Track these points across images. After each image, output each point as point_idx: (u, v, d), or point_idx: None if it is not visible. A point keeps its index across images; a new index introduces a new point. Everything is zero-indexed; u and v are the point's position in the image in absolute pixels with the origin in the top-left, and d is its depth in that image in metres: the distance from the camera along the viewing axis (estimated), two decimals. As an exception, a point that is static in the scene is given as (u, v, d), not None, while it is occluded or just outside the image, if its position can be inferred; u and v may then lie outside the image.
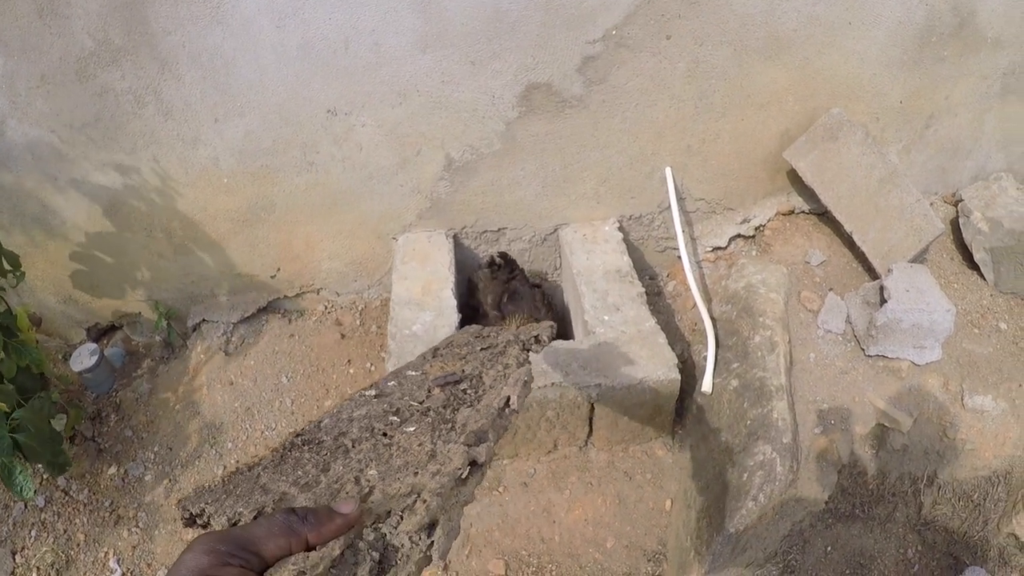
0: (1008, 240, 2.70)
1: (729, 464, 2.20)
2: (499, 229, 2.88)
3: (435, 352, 1.49)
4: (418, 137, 2.57)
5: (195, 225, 2.69)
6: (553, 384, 2.25)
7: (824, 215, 2.92)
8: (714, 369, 2.41)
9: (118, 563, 2.42)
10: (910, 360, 2.42)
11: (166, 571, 2.39)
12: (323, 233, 2.79)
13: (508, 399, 1.05)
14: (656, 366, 2.31)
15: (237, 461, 2.56)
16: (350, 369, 2.77)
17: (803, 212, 2.98)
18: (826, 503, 2.31)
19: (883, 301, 2.42)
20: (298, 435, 1.05)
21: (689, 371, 2.57)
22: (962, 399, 2.39)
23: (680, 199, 2.84)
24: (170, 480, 2.58)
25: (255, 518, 0.75)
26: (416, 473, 0.82)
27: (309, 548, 0.63)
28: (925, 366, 2.43)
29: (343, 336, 2.88)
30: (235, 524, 0.75)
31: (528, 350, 1.40)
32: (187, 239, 2.73)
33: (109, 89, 2.32)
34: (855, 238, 2.68)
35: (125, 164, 2.50)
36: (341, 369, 2.77)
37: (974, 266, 2.83)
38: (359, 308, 3.00)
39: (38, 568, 2.40)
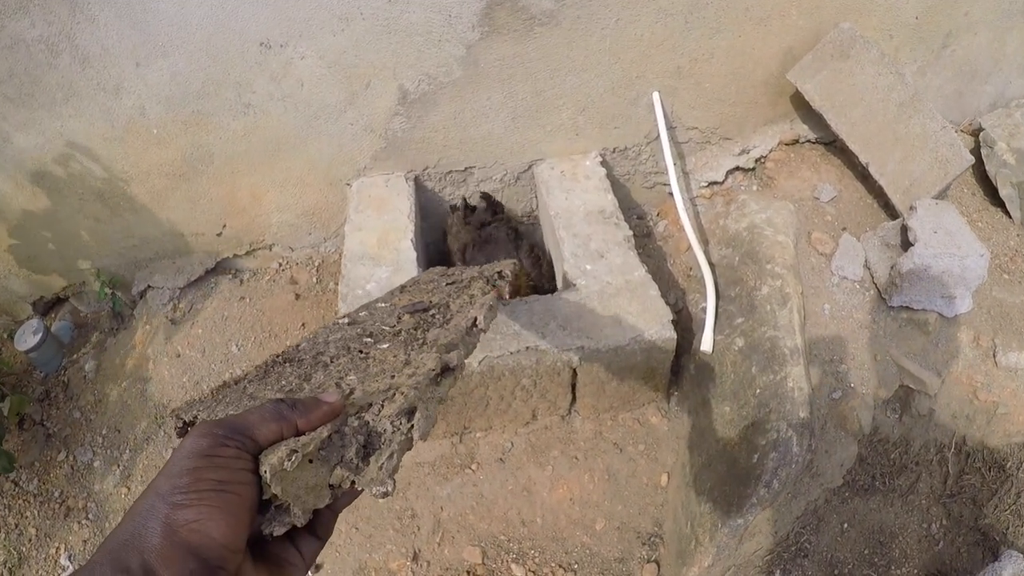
0: (1038, 175, 2.26)
1: (736, 439, 1.81)
2: (465, 168, 2.45)
3: (402, 288, 1.50)
4: (366, 68, 2.15)
5: (128, 183, 2.31)
6: (528, 348, 1.86)
7: (833, 144, 2.47)
8: (715, 324, 2.01)
9: (70, 559, 2.14)
10: (938, 312, 2.00)
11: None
12: (269, 183, 2.39)
13: (475, 319, 1.05)
14: (648, 323, 1.89)
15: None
16: (305, 333, 2.38)
17: (809, 141, 2.53)
18: (843, 477, 1.94)
19: (906, 244, 2.00)
20: (278, 356, 1.08)
21: (685, 324, 2.15)
22: (995, 356, 2.01)
23: (670, 128, 2.40)
24: (119, 467, 2.24)
25: None
26: (392, 376, 0.84)
27: (299, 434, 0.65)
28: (954, 318, 2.03)
29: (298, 296, 2.49)
30: None
31: (493, 285, 1.38)
32: (121, 199, 2.35)
33: (19, 40, 1.97)
34: (871, 170, 2.23)
35: (46, 122, 2.14)
36: (295, 334, 2.36)
37: (999, 202, 2.42)
38: (315, 263, 2.59)
39: (-8, 567, 2.16)
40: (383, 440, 0.71)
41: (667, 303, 1.98)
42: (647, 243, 2.49)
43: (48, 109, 2.12)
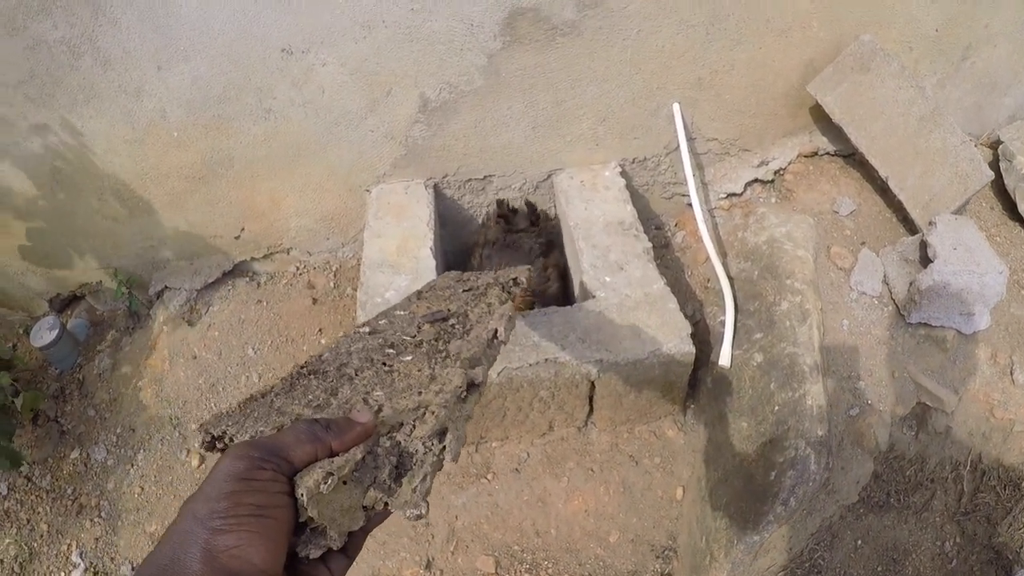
0: (1057, 188, 2.24)
1: (753, 456, 1.80)
2: (485, 177, 2.43)
3: (419, 295, 1.49)
4: (388, 75, 2.13)
5: (147, 185, 2.29)
6: (547, 360, 1.85)
7: (852, 156, 2.45)
8: (733, 339, 2.00)
9: (81, 557, 2.13)
10: (956, 329, 1.98)
11: (131, 566, 2.11)
12: (288, 187, 2.37)
13: (496, 331, 1.05)
14: (667, 336, 1.88)
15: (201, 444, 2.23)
16: (322, 339, 2.35)
17: (828, 153, 2.50)
18: (859, 494, 1.93)
19: (925, 259, 1.99)
20: (302, 367, 1.07)
21: (702, 336, 2.14)
22: (1012, 373, 1.99)
23: (690, 139, 2.38)
24: (132, 466, 2.23)
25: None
26: (420, 393, 0.83)
27: (332, 455, 0.65)
28: (972, 335, 2.00)
29: (315, 301, 2.47)
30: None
31: (508, 292, 1.38)
32: (140, 201, 2.33)
33: (41, 41, 1.95)
34: (891, 184, 2.21)
35: (67, 122, 2.12)
36: (312, 339, 2.36)
37: (1017, 217, 2.39)
38: (333, 268, 2.58)
39: (2, 561, 2.15)
40: (415, 461, 0.71)
41: (685, 315, 1.98)
42: (665, 254, 2.47)
43: (69, 110, 2.10)
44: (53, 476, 2.28)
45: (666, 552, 1.96)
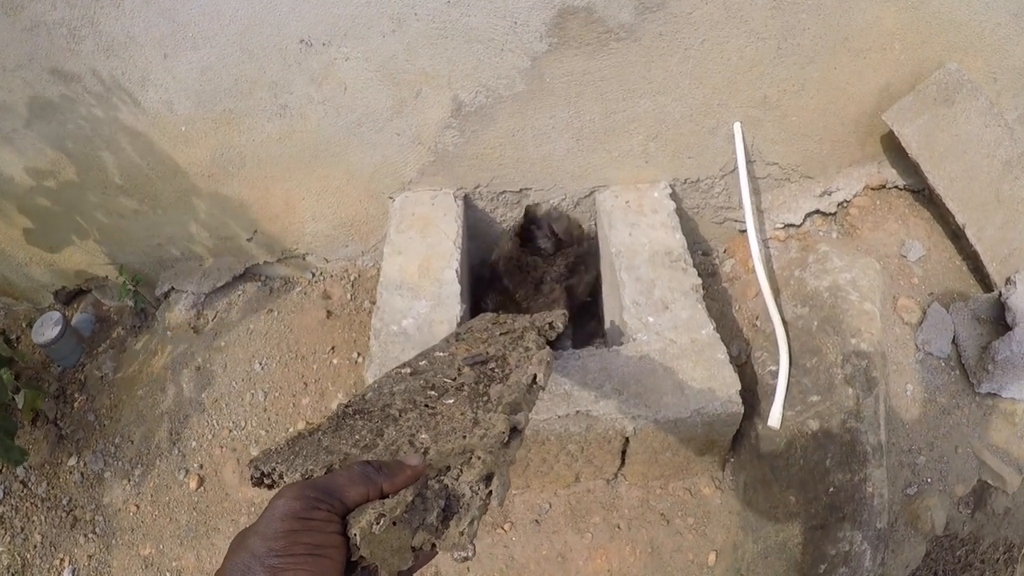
0: None
1: (801, 539, 1.61)
2: (520, 190, 2.21)
3: (457, 336, 1.49)
4: (417, 74, 1.91)
5: (152, 181, 2.13)
6: (578, 413, 1.65)
7: (921, 192, 2.20)
8: (785, 397, 1.79)
9: (73, 574, 2.01)
10: (1026, 402, 1.77)
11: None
12: (305, 190, 2.18)
13: (535, 376, 1.05)
14: (713, 393, 1.67)
15: (201, 466, 2.07)
16: (333, 359, 2.17)
17: (896, 187, 2.24)
18: (907, 576, 1.74)
19: (1001, 321, 1.76)
20: (347, 406, 1.09)
21: (748, 383, 1.91)
22: (1079, 454, 1.77)
23: (749, 162, 2.14)
24: (129, 482, 2.09)
25: (325, 474, 0.78)
26: (464, 436, 0.85)
27: (383, 496, 0.65)
28: (1042, 411, 1.78)
29: (329, 314, 2.28)
30: (308, 479, 0.76)
31: (544, 336, 1.38)
32: (145, 196, 2.17)
33: (40, 22, 1.79)
34: (968, 232, 1.95)
35: (67, 111, 1.96)
36: (323, 359, 2.17)
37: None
38: (351, 278, 2.39)
39: (-5, 570, 2.04)
40: (462, 504, 0.72)
41: (731, 355, 1.76)
42: (711, 283, 2.25)
43: (67, 98, 1.94)
44: (49, 483, 2.16)
45: (694, 624, 1.79)
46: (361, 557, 0.59)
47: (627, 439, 1.73)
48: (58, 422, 2.26)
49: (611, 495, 1.90)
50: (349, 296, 2.34)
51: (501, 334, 1.41)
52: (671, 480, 1.90)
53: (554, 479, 1.87)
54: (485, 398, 1.01)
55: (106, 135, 2.02)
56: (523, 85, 1.94)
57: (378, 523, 0.60)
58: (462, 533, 0.68)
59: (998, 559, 1.81)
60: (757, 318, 2.07)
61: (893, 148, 2.14)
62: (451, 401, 1.02)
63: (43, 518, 2.10)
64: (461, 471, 0.75)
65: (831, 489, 1.58)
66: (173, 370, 2.24)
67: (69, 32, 1.79)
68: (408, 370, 1.25)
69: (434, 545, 0.67)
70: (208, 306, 2.36)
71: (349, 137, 2.05)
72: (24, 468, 2.18)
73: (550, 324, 1.44)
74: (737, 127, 2.05)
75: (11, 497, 2.14)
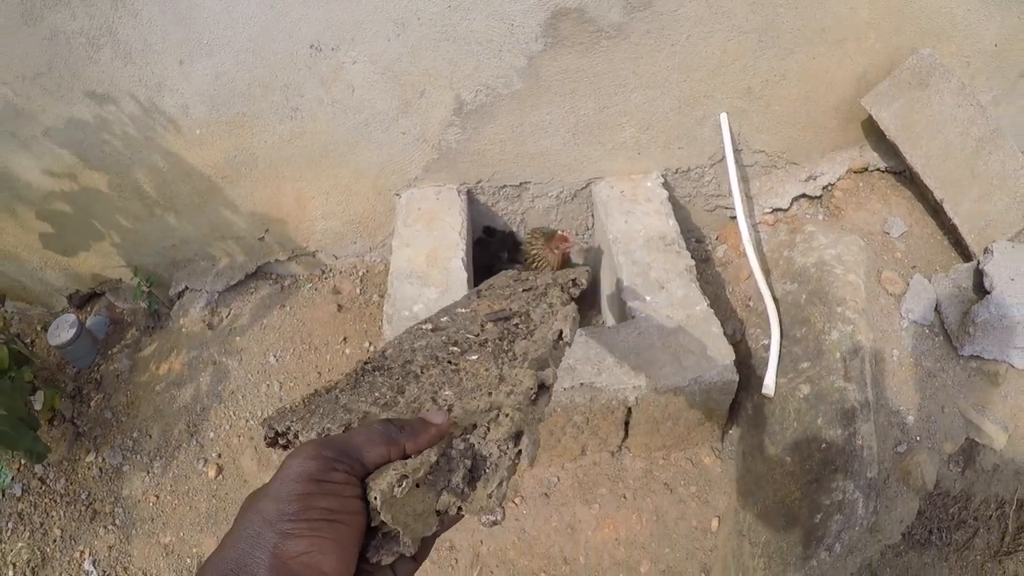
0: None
1: (798, 495, 1.72)
2: (520, 184, 2.34)
3: (479, 293, 1.45)
4: (421, 75, 2.04)
5: (168, 183, 2.23)
6: (583, 385, 1.77)
7: (903, 174, 2.34)
8: (778, 366, 1.91)
9: (94, 564, 2.08)
10: (1009, 363, 1.89)
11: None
12: (315, 189, 2.29)
13: (560, 332, 1.00)
14: (709, 364, 1.79)
15: (219, 455, 2.17)
16: (346, 349, 2.28)
17: (878, 170, 2.39)
18: (902, 533, 1.85)
19: (980, 288, 1.89)
20: (366, 363, 1.05)
21: (743, 358, 2.04)
22: (1065, 411, 1.89)
23: (736, 150, 2.27)
24: (148, 474, 2.18)
25: (344, 432, 0.73)
26: (490, 394, 0.80)
27: (404, 456, 0.62)
28: (1024, 370, 1.91)
29: (340, 308, 2.40)
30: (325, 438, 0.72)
31: (568, 293, 1.32)
32: (160, 198, 2.27)
33: (59, 32, 1.89)
34: (946, 208, 2.10)
35: (85, 116, 2.05)
36: (336, 348, 2.29)
37: (1072, 244, 2.26)
38: (360, 273, 2.50)
39: (14, 564, 2.10)
40: (489, 464, 0.68)
41: (725, 333, 1.88)
42: (705, 268, 2.38)
43: (87, 104, 2.03)
44: (68, 479, 2.24)
45: (700, 586, 1.89)
46: (382, 522, 0.57)
47: (629, 409, 1.85)
48: (75, 420, 2.33)
49: (616, 467, 2.00)
50: (359, 291, 2.45)
51: (523, 291, 1.37)
52: (673, 451, 2.01)
53: (561, 452, 1.98)
54: (510, 354, 0.96)
55: (122, 141, 2.11)
56: (521, 83, 2.07)
57: (400, 485, 0.57)
58: (490, 495, 0.64)
59: (991, 515, 1.92)
60: (750, 299, 2.20)
61: (873, 132, 2.29)
62: (475, 357, 0.98)
63: (62, 513, 2.17)
64: (488, 429, 0.71)
65: (823, 445, 1.70)
66: (189, 366, 2.33)
67: (88, 41, 1.90)
68: (429, 326, 1.21)
69: (460, 508, 0.63)
70: (222, 304, 2.47)
71: (357, 137, 2.17)
72: (43, 466, 2.25)
73: (573, 281, 1.41)
74: (724, 117, 2.19)
75: (30, 494, 2.21)
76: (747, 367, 2.01)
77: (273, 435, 0.82)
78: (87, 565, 2.09)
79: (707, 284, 2.28)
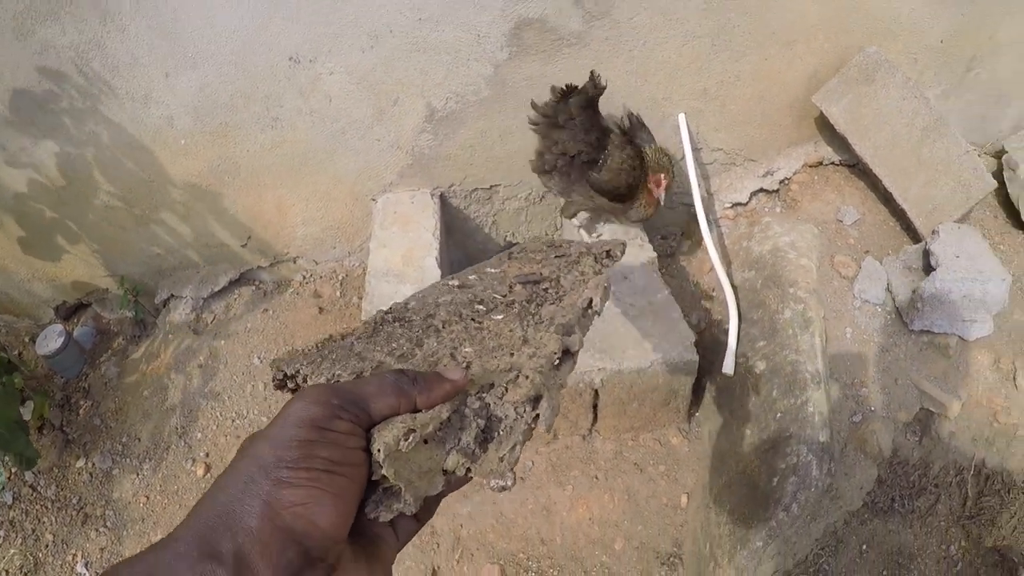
0: (1059, 197, 2.28)
1: (756, 462, 1.83)
2: (491, 187, 2.47)
3: (510, 255, 1.41)
4: (394, 84, 2.17)
5: (153, 193, 2.33)
6: (551, 369, 1.88)
7: (856, 166, 2.48)
8: (737, 347, 2.03)
9: (86, 567, 2.14)
10: (958, 335, 2.02)
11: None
12: (295, 196, 2.41)
13: (590, 300, 0.97)
14: (671, 345, 1.92)
15: (207, 454, 2.25)
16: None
17: (833, 163, 2.54)
18: (863, 499, 1.95)
19: (928, 268, 2.02)
20: (387, 313, 1.03)
21: (708, 345, 2.16)
22: (1015, 379, 2.01)
23: (695, 149, 2.41)
24: (138, 476, 2.25)
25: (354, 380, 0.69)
26: (512, 354, 0.77)
27: (415, 411, 0.60)
28: (975, 342, 2.03)
29: (321, 310, 2.50)
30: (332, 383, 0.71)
31: (601, 263, 1.27)
32: (147, 208, 2.37)
33: (49, 46, 1.98)
34: (895, 194, 2.25)
35: (73, 128, 2.15)
36: (318, 349, 2.39)
37: (1020, 225, 2.41)
38: (339, 277, 2.61)
39: (7, 571, 2.15)
40: (504, 427, 0.66)
41: (690, 324, 2.00)
42: (671, 263, 2.50)
43: (75, 116, 2.13)
44: (58, 485, 2.30)
45: (671, 559, 1.98)
46: (384, 477, 0.55)
47: (596, 391, 1.96)
48: (64, 428, 2.40)
49: (588, 450, 2.10)
50: (339, 294, 2.56)
51: (556, 256, 1.33)
52: (641, 432, 2.12)
53: (534, 437, 2.07)
54: (536, 317, 0.93)
55: (110, 152, 2.21)
56: (488, 90, 2.21)
57: (407, 439, 0.55)
58: (502, 459, 0.61)
59: (951, 482, 2.03)
60: (713, 290, 2.32)
61: (826, 128, 2.43)
62: (500, 317, 0.95)
63: (54, 518, 2.23)
64: (506, 390, 0.68)
65: (779, 415, 1.81)
66: (176, 369, 2.42)
67: (77, 55, 2.00)
68: (456, 282, 1.18)
69: (469, 470, 0.61)
70: (206, 309, 2.56)
71: (335, 144, 2.29)
72: (33, 473, 2.31)
73: (607, 252, 1.38)
74: (682, 118, 2.33)
75: (21, 501, 2.27)
76: (712, 353, 2.13)
77: (282, 376, 0.79)
78: (80, 568, 2.14)
79: (672, 278, 2.40)
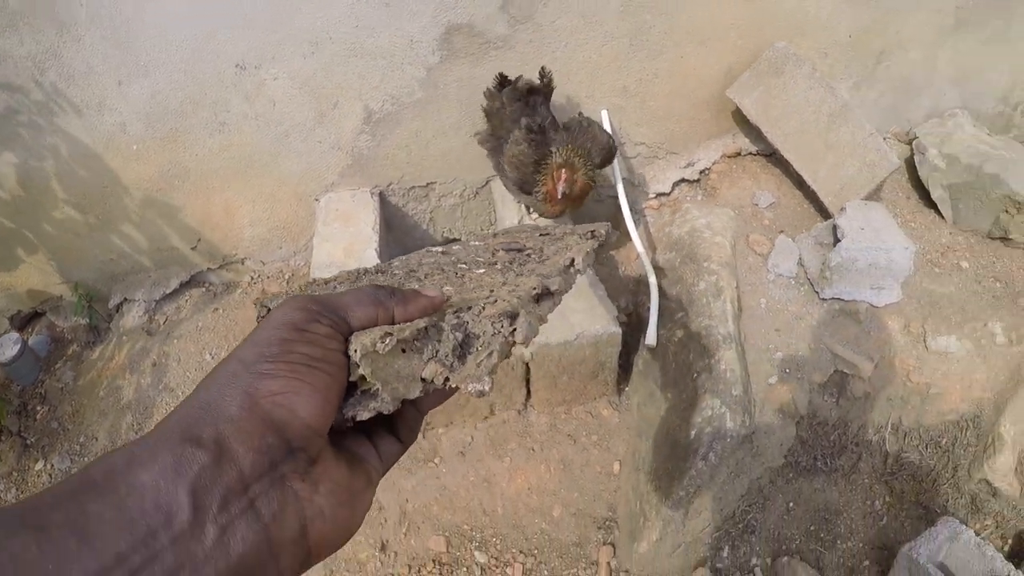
0: (966, 176, 2.46)
1: (678, 421, 1.96)
2: (427, 184, 2.61)
3: (494, 235, 1.38)
4: (334, 89, 2.31)
5: (106, 198, 2.42)
6: (484, 344, 2.01)
7: (772, 155, 2.66)
8: (658, 321, 2.17)
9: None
10: (868, 302, 2.18)
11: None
12: (242, 198, 2.52)
13: (572, 259, 0.92)
14: (595, 319, 2.06)
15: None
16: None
17: (750, 153, 2.72)
18: (785, 457, 2.08)
19: (837, 241, 2.18)
20: (368, 268, 1.00)
21: (636, 325, 2.31)
22: (925, 341, 2.16)
23: (619, 144, 2.57)
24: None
25: None
26: (492, 291, 0.75)
27: (393, 323, 0.60)
28: (884, 308, 2.19)
29: (268, 308, 2.59)
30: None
31: (584, 240, 1.32)
32: (100, 214, 2.46)
33: (7, 55, 2.07)
34: (805, 177, 2.42)
35: (29, 137, 2.25)
36: (267, 343, 2.49)
37: (932, 204, 2.59)
38: (286, 276, 2.72)
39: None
40: (481, 343, 0.65)
41: (618, 306, 2.15)
42: (600, 252, 2.62)
43: (31, 125, 2.22)
44: (18, 488, 2.35)
45: (607, 522, 2.09)
46: (361, 379, 0.55)
47: (527, 365, 2.08)
48: (22, 433, 2.46)
49: (523, 423, 2.22)
50: (286, 291, 2.64)
51: (540, 235, 1.30)
52: (573, 405, 2.24)
53: (472, 412, 2.20)
54: (518, 272, 0.92)
55: (64, 159, 2.30)
56: (421, 92, 2.36)
57: (383, 341, 0.55)
58: (479, 364, 0.61)
59: (871, 440, 2.15)
60: (642, 275, 2.46)
61: (743, 121, 2.61)
62: (481, 271, 0.94)
63: (13, 521, 2.29)
64: (483, 308, 0.67)
65: (695, 375, 1.95)
66: (130, 369, 2.50)
67: (35, 64, 2.10)
68: (440, 250, 1.18)
69: (447, 380, 0.60)
70: (159, 311, 2.65)
71: (279, 147, 2.41)
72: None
73: (592, 232, 1.48)
74: (604, 114, 2.49)
75: (-21, 506, 2.32)
76: (640, 332, 2.26)
77: (265, 313, 0.77)
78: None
79: (602, 266, 2.54)
